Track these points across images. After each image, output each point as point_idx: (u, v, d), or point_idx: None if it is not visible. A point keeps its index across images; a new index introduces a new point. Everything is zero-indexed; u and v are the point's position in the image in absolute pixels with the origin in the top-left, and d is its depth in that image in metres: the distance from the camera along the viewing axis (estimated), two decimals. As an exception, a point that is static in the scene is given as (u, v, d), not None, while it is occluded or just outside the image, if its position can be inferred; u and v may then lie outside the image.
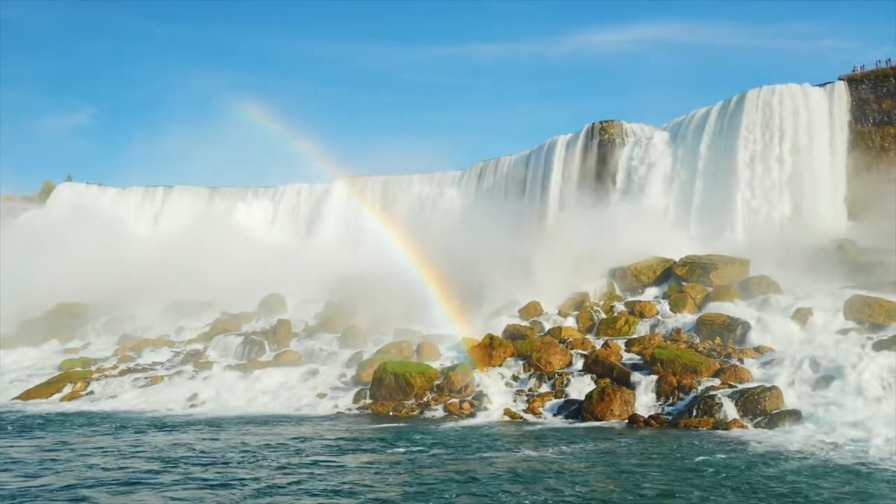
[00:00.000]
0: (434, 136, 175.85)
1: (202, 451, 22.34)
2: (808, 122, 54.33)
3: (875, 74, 53.76)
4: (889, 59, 53.64)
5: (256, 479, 18.26)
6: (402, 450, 22.43)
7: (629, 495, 16.30)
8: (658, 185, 59.15)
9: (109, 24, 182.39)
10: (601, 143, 63.05)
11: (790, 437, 23.37)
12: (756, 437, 23.71)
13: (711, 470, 18.78)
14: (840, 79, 55.27)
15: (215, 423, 29.69)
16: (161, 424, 29.69)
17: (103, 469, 19.53)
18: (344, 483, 17.90)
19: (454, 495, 16.62)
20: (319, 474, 18.85)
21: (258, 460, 20.78)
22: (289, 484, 17.68)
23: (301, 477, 18.43)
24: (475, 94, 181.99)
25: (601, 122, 63.41)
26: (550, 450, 21.77)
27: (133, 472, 19.13)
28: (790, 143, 54.25)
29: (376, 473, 19.22)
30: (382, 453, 22.08)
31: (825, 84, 55.35)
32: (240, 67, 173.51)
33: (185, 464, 20.31)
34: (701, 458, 20.37)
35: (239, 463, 20.41)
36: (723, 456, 20.63)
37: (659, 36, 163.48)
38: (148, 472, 19.10)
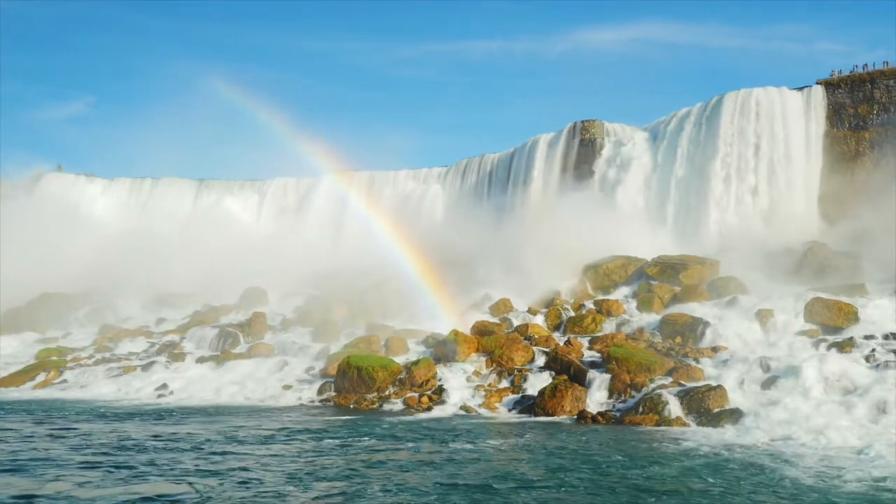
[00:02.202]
0: (424, 132, 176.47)
1: (126, 438, 22.90)
2: (785, 125, 54.85)
3: (851, 79, 54.22)
4: (866, 65, 54.08)
5: (153, 464, 18.89)
6: (329, 440, 22.88)
7: (496, 486, 16.85)
8: (636, 185, 59.70)
9: (105, 17, 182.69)
10: (582, 143, 63.59)
11: (725, 435, 23.94)
12: (692, 434, 24.29)
13: (614, 464, 19.37)
14: (818, 83, 55.75)
15: (167, 413, 30.38)
16: (110, 413, 30.24)
17: (8, 452, 20.23)
18: (238, 468, 18.55)
19: (320, 481, 17.23)
20: (220, 461, 19.46)
21: (173, 448, 21.36)
22: (175, 470, 18.28)
23: (199, 464, 19.00)
24: (467, 91, 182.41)
25: (582, 122, 63.94)
26: (476, 443, 22.34)
27: (34, 456, 19.64)
28: (767, 145, 54.81)
29: (277, 459, 19.79)
30: (307, 442, 22.53)
31: (802, 88, 55.83)
32: (232, 61, 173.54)
33: (98, 451, 20.81)
34: (615, 452, 20.97)
35: (153, 450, 21.00)
36: (637, 452, 21.18)
37: (655, 35, 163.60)
38: (47, 457, 19.59)
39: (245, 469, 18.40)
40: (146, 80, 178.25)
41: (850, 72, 53.87)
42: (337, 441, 22.83)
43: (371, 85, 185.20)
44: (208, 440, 22.70)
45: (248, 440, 22.85)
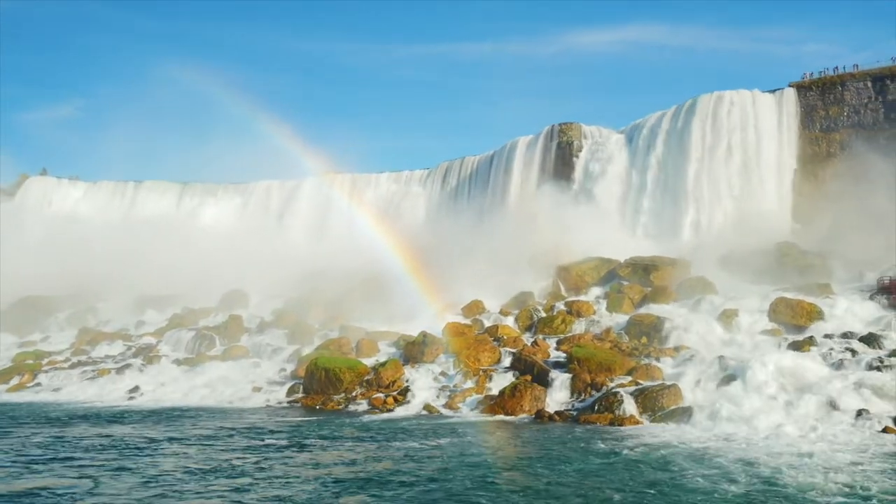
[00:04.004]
0: (414, 132, 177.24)
1: (62, 438, 23.30)
2: (757, 127, 55.53)
3: (822, 82, 54.89)
4: (836, 67, 54.73)
5: (68, 460, 19.43)
6: (271, 440, 23.23)
7: (392, 481, 17.35)
8: (612, 186, 60.27)
9: (97, 18, 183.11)
10: (560, 145, 64.14)
11: (672, 433, 24.32)
12: (640, 431, 24.73)
13: (531, 460, 19.97)
14: (790, 85, 56.41)
15: (126, 414, 30.73)
16: (65, 415, 30.56)
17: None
18: (151, 465, 19.11)
19: (224, 479, 17.72)
20: (140, 458, 19.98)
21: (103, 447, 21.81)
22: (88, 466, 18.77)
23: (116, 462, 19.52)
24: (457, 92, 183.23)
25: (560, 125, 64.50)
26: (419, 441, 22.79)
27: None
28: (739, 147, 55.47)
29: (198, 457, 20.21)
30: (242, 442, 22.81)
31: (775, 90, 56.44)
32: (224, 61, 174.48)
33: (25, 449, 21.30)
34: (542, 449, 21.52)
35: (82, 449, 21.42)
36: (565, 449, 21.61)
37: (646, 37, 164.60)
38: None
39: (156, 465, 18.92)
40: (136, 82, 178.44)
41: (820, 73, 54.52)
42: (275, 441, 23.14)
43: (363, 86, 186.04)
44: (147, 440, 23.14)
45: (186, 440, 23.22)
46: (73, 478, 17.38)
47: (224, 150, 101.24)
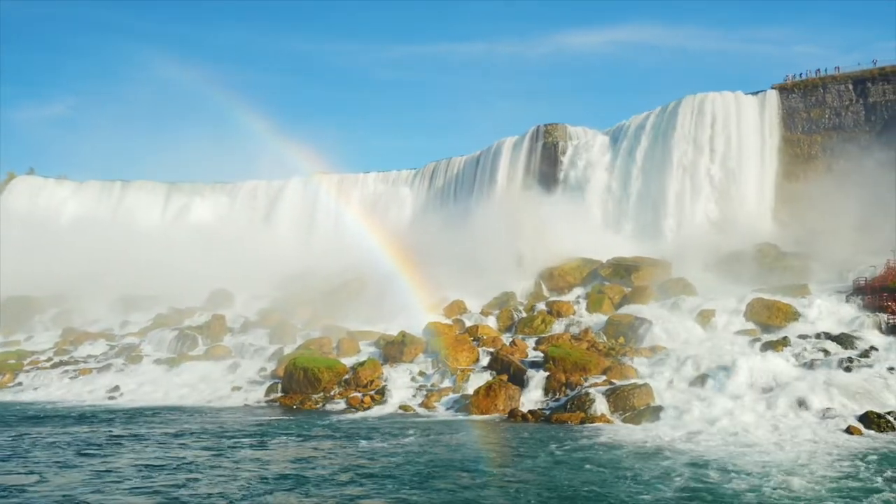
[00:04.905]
0: (404, 133, 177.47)
1: (25, 436, 23.41)
2: (740, 128, 55.88)
3: (805, 84, 55.29)
4: (818, 70, 55.10)
5: (23, 457, 19.75)
6: (237, 439, 23.34)
7: (338, 480, 17.61)
8: (596, 187, 60.59)
9: (90, 18, 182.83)
10: (545, 146, 64.41)
11: (639, 431, 24.52)
12: (607, 430, 24.93)
13: (493, 458, 20.35)
14: (772, 87, 56.77)
15: (99, 414, 30.75)
16: (33, 415, 30.55)
17: None
18: (106, 462, 19.34)
19: (172, 474, 18.04)
20: (96, 456, 20.17)
21: (65, 444, 21.96)
22: (41, 463, 19.03)
23: (72, 460, 19.75)
24: (448, 92, 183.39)
25: (545, 126, 64.76)
26: (385, 440, 23.03)
27: None
28: (722, 148, 55.80)
29: (154, 456, 20.44)
30: (205, 442, 22.87)
31: (757, 92, 56.80)
32: (216, 62, 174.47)
33: None
34: (500, 447, 21.89)
35: (42, 447, 21.63)
36: (521, 447, 21.86)
37: (637, 38, 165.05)
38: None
39: (108, 463, 19.11)
40: (127, 82, 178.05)
41: (800, 75, 54.95)
42: (239, 439, 23.23)
43: (354, 86, 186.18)
44: (110, 438, 23.28)
45: (149, 438, 23.36)
46: (21, 474, 17.65)
47: (212, 149, 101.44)
